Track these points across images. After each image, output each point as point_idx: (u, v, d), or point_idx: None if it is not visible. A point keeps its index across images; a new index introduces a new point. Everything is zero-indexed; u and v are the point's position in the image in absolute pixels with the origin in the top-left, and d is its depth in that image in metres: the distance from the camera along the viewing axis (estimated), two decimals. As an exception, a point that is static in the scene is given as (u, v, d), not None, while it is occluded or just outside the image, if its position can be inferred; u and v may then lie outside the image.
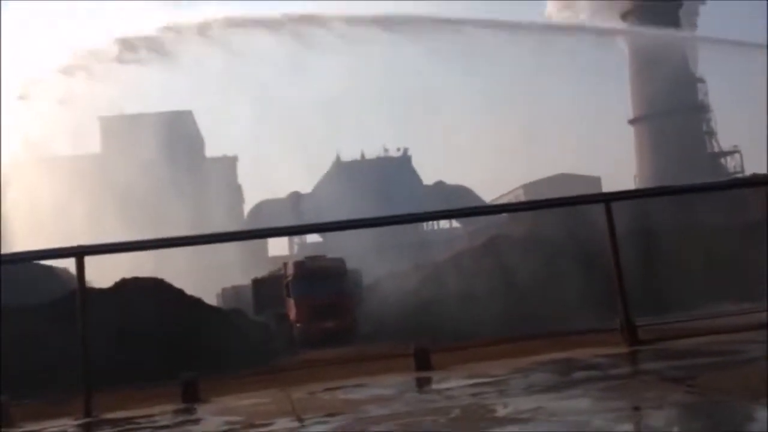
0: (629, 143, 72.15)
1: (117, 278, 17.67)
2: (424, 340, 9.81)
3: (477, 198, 68.23)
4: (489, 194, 71.33)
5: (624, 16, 69.45)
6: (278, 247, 63.06)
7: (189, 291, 20.78)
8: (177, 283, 20.68)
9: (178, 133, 53.14)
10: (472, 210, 11.30)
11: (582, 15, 75.71)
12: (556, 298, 17.09)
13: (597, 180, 70.85)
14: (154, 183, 48.70)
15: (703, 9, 73.39)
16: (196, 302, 18.89)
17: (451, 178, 68.10)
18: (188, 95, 53.15)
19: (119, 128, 51.61)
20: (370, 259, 30.65)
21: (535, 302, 17.38)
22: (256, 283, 26.07)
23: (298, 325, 22.23)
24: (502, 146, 70.70)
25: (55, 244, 6.82)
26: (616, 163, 74.19)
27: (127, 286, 17.38)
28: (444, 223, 63.72)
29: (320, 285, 21.89)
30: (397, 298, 22.22)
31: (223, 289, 29.14)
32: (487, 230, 26.71)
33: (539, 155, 76.21)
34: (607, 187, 70.15)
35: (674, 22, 67.13)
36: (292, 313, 22.77)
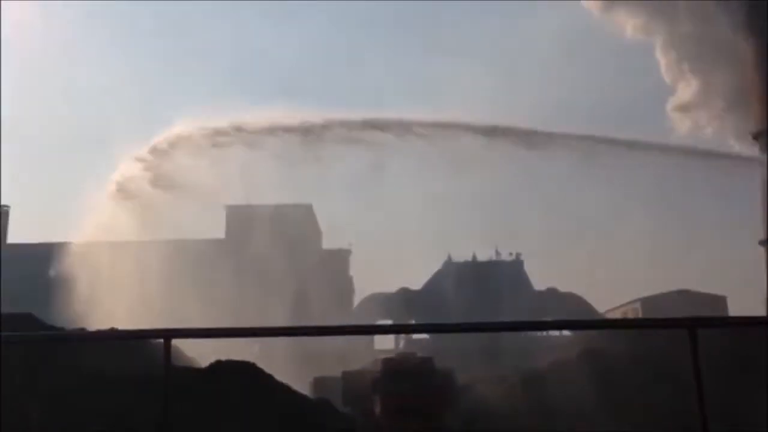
0: (760, 264, 68.33)
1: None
2: None
3: (589, 307, 66.28)
4: (603, 305, 68.96)
5: (756, 137, 67.39)
6: (386, 340, 63.54)
7: (285, 377, 21.65)
8: (277, 369, 21.59)
9: (298, 225, 55.83)
10: (535, 324, 11.44)
11: (707, 128, 74.38)
12: (638, 420, 16.50)
13: (723, 299, 67.27)
14: (273, 270, 51.17)
15: None
16: (284, 388, 19.60)
17: (564, 286, 66.62)
18: (312, 189, 55.98)
19: (243, 217, 54.93)
20: (469, 361, 30.54)
21: (619, 421, 16.83)
22: (346, 375, 26.57)
23: (382, 421, 22.41)
24: (622, 258, 68.71)
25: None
26: (745, 284, 69.93)
27: (220, 368, 18.38)
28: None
29: (406, 383, 22.10)
30: (487, 403, 22.05)
31: (315, 379, 29.83)
32: (585, 341, 26.11)
33: (662, 270, 73.23)
34: (733, 306, 66.44)
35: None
36: (377, 410, 23.01)
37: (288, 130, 44.02)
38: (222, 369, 18.32)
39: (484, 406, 22.26)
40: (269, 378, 19.53)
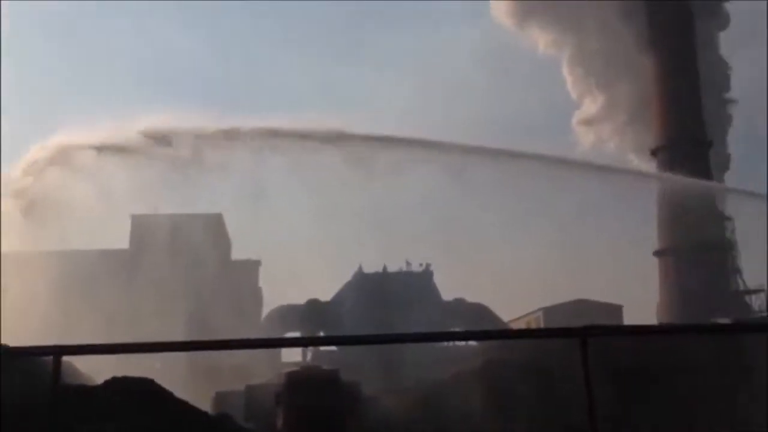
0: (654, 274, 71.89)
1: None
2: None
3: (495, 318, 67.84)
4: (508, 314, 70.85)
5: (654, 152, 71.14)
6: (293, 353, 62.93)
7: (187, 393, 21.08)
8: (178, 385, 20.95)
9: (206, 235, 54.68)
10: (444, 335, 11.66)
11: (610, 142, 77.92)
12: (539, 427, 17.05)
13: (618, 308, 70.25)
14: (178, 281, 49.91)
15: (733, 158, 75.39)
16: (183, 405, 19.13)
17: (471, 296, 68.00)
18: (220, 198, 54.93)
19: (149, 226, 53.40)
20: (376, 373, 30.66)
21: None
22: (249, 389, 26.23)
23: (285, 435, 22.30)
24: (525, 269, 70.88)
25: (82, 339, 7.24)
26: (640, 294, 73.48)
27: (115, 385, 17.77)
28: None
29: (310, 396, 22.05)
30: (389, 415, 22.22)
31: (217, 394, 29.30)
32: (488, 351, 26.75)
33: (561, 280, 75.97)
34: (629, 315, 69.50)
35: (704, 162, 68.39)
36: (280, 423, 22.84)
37: (201, 136, 42.91)
38: (117, 386, 17.71)
39: (388, 419, 22.41)
40: (168, 394, 19.02)
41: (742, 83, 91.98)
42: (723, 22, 75.11)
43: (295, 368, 26.13)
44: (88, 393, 16.00)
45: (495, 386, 20.24)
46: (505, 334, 14.73)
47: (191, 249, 51.54)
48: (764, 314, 63.34)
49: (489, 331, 42.50)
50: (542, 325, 67.90)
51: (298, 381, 23.00)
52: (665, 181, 58.15)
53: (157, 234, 51.69)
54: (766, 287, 68.29)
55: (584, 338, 12.88)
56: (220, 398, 28.73)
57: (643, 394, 19.30)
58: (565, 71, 79.66)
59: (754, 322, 21.85)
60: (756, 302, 69.46)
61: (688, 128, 69.09)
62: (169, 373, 28.10)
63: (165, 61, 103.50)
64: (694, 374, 20.15)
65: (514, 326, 70.64)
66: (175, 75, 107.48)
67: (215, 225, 58.18)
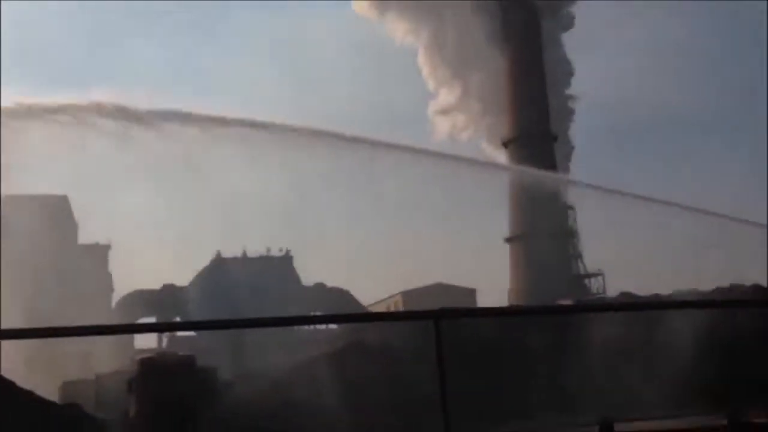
0: (505, 260, 75.70)
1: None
2: None
3: (355, 302, 68.79)
4: (368, 299, 72.02)
5: (506, 144, 74.85)
6: (148, 339, 60.72)
7: (33, 384, 19.78)
8: (23, 375, 19.61)
9: (51, 217, 51.34)
10: (308, 319, 11.70)
11: (464, 133, 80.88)
12: (394, 407, 17.57)
13: (472, 292, 73.39)
14: (22, 267, 46.56)
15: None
16: (26, 395, 18.03)
17: (332, 281, 68.50)
18: (66, 179, 51.66)
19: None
20: (236, 358, 30.28)
21: (375, 411, 17.78)
22: (100, 378, 25.12)
23: (136, 422, 21.55)
24: (384, 255, 72.38)
25: None
26: (492, 278, 77.14)
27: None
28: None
29: (164, 383, 21.46)
30: (249, 399, 22.02)
31: (64, 383, 27.77)
32: (351, 334, 27.14)
33: (420, 265, 78.32)
34: (482, 298, 72.80)
35: (550, 154, 72.79)
36: (132, 411, 22.06)
37: (50, 110, 39.59)
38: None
39: (244, 405, 22.18)
40: (10, 384, 17.84)
41: (584, 83, 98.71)
42: (567, 23, 79.77)
43: (149, 355, 25.27)
44: None
45: (351, 369, 20.59)
46: (362, 317, 15.04)
47: (32, 233, 48.16)
48: (602, 295, 68.46)
49: (347, 314, 43.16)
50: (401, 309, 69.68)
51: (152, 368, 22.27)
52: (515, 172, 61.31)
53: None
54: (603, 271, 73.94)
55: (437, 320, 13.38)
56: (68, 388, 27.27)
57: (493, 372, 20.34)
58: (422, 61, 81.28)
59: (586, 304, 23.70)
60: (594, 285, 74.90)
61: (535, 123, 73.25)
62: (10, 363, 26.30)
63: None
64: (536, 353, 21.46)
65: (375, 310, 72.00)
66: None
67: (59, 207, 54.70)
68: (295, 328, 57.32)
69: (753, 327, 20.76)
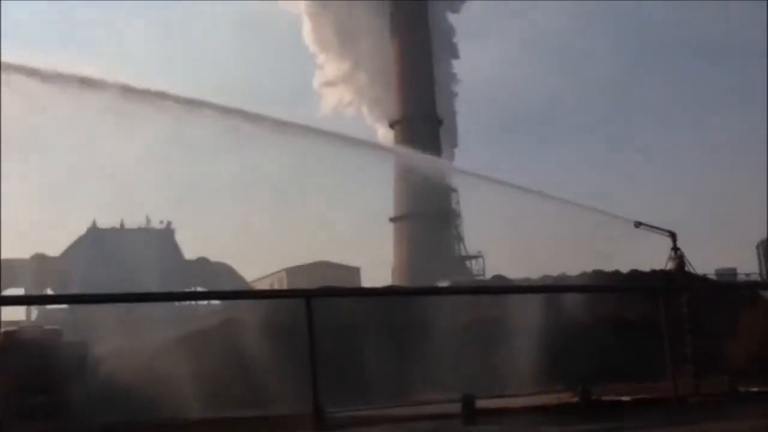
0: (389, 239, 77.11)
1: None
2: (114, 421, 10.02)
3: (239, 277, 68.27)
4: (251, 274, 71.59)
5: (392, 125, 75.92)
6: (15, 311, 57.73)
7: None
8: None
9: None
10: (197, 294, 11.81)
11: (349, 108, 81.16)
12: (265, 384, 17.84)
13: (357, 270, 74.45)
14: None
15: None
16: None
17: (215, 256, 67.54)
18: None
19: None
20: (109, 332, 29.39)
21: (244, 386, 18.00)
22: (-41, 352, 23.87)
23: (1, 400, 20.74)
24: (269, 230, 71.94)
25: None
26: (377, 256, 78.44)
27: None
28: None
29: (30, 357, 20.77)
30: (119, 375, 21.68)
31: None
32: (229, 311, 27.06)
33: (305, 242, 78.42)
34: (365, 276, 73.89)
35: (435, 137, 74.43)
36: (-6, 384, 21.21)
37: None
38: None
39: (117, 379, 21.82)
40: None
41: (471, 70, 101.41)
42: (456, 5, 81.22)
43: (13, 328, 24.22)
44: None
45: (229, 344, 20.69)
46: (234, 294, 15.12)
47: None
48: (482, 277, 71.11)
49: (219, 291, 42.86)
50: (285, 285, 69.68)
51: (15, 342, 21.45)
52: (401, 155, 62.41)
53: None
54: (482, 254, 76.70)
55: (308, 299, 13.76)
56: None
57: (363, 350, 20.93)
58: (308, 30, 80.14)
59: (450, 287, 24.85)
60: (475, 267, 77.56)
61: (421, 105, 74.60)
62: None
63: None
64: (407, 332, 22.23)
65: (258, 285, 71.55)
66: None
67: None
68: (176, 303, 56.27)
69: (606, 312, 22.56)
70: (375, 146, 60.23)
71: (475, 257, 77.32)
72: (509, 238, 65.45)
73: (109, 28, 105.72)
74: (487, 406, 15.71)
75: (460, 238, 77.55)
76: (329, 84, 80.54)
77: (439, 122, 75.81)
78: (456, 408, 15.04)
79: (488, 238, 73.84)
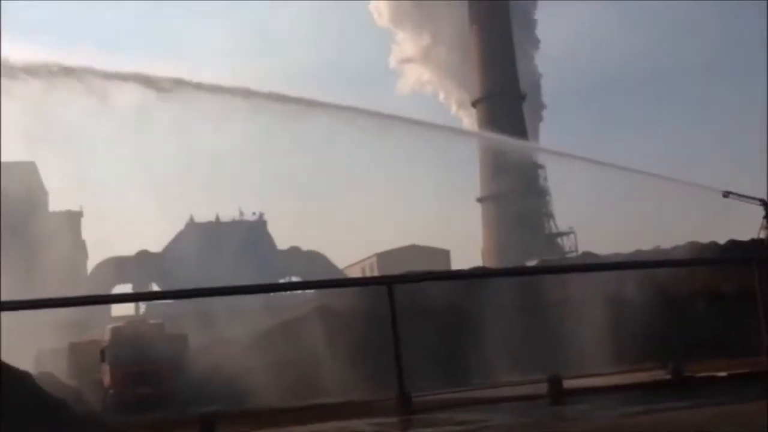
0: (477, 220, 76.66)
1: None
2: (213, 410, 10.58)
3: (331, 265, 69.51)
4: (343, 261, 72.74)
5: (474, 103, 75.13)
6: (125, 306, 61.08)
7: (13, 353, 20.11)
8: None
9: (20, 185, 51.01)
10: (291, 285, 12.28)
11: (428, 86, 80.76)
12: (354, 370, 18.25)
13: (446, 252, 74.48)
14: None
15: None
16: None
17: (307, 245, 69.06)
18: (31, 145, 51.06)
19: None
20: (207, 324, 30.67)
21: (333, 373, 18.47)
22: (74, 347, 25.62)
23: (111, 391, 22.12)
24: (359, 217, 72.88)
25: None
26: (465, 238, 78.19)
27: None
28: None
29: (136, 351, 22.03)
30: (219, 365, 22.63)
31: (39, 352, 28.28)
32: (321, 298, 27.69)
33: (394, 227, 79.02)
34: (455, 258, 73.81)
35: (518, 113, 73.16)
36: (106, 379, 22.62)
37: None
38: None
39: (217, 369, 22.77)
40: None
41: (553, 41, 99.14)
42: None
43: (119, 323, 25.77)
44: None
45: (319, 332, 21.31)
46: (318, 284, 15.52)
47: (5, 201, 47.81)
48: (574, 253, 69.65)
49: (303, 282, 43.67)
50: (376, 270, 70.56)
51: (123, 336, 22.82)
52: (485, 139, 61.60)
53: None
54: (574, 230, 75.14)
55: (390, 285, 13.89)
56: (41, 357, 27.74)
57: (449, 333, 21.04)
58: (383, 6, 79.63)
59: (537, 267, 24.41)
60: (567, 243, 76.04)
61: (503, 82, 73.35)
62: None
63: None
64: (500, 314, 22.13)
65: (350, 271, 72.80)
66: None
67: (27, 174, 54.32)
68: (270, 294, 57.96)
69: (701, 285, 21.77)
70: (459, 131, 59.85)
71: (566, 233, 75.90)
72: (600, 214, 64.10)
73: (190, 27, 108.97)
74: (575, 386, 15.63)
75: (549, 215, 76.25)
76: (407, 61, 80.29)
77: (523, 97, 74.48)
78: (542, 389, 15.00)
79: (579, 214, 72.45)
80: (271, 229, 69.56)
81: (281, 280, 67.11)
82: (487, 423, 10.56)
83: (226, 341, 26.14)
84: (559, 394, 14.76)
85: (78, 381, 23.98)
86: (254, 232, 66.98)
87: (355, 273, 72.22)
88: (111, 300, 20.50)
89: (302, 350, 20.57)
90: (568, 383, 15.24)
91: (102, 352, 22.83)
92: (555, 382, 15.35)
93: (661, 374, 15.69)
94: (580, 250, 70.96)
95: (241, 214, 67.58)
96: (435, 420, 11.41)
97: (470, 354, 19.03)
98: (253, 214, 68.16)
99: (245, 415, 14.40)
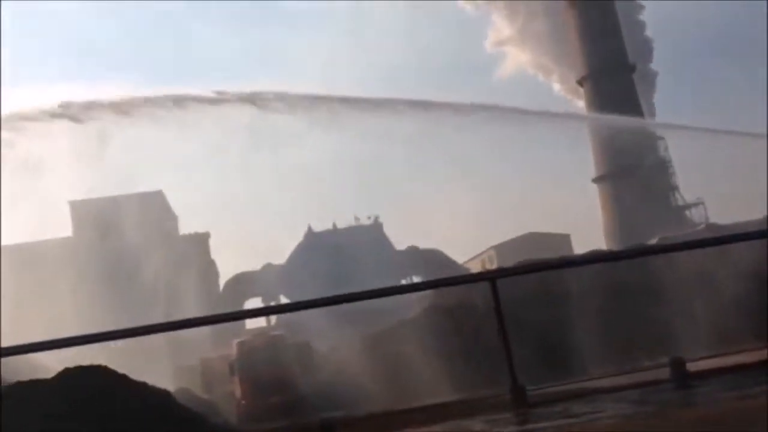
0: (595, 201, 74.15)
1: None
2: (333, 414, 10.97)
3: (449, 261, 69.38)
4: (461, 256, 72.47)
5: (581, 82, 72.65)
6: (258, 319, 63.64)
7: (150, 374, 21.56)
8: (142, 366, 21.45)
9: (151, 213, 54.45)
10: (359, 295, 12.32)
11: (528, 67, 78.70)
12: (463, 366, 18.21)
13: (567, 237, 72.40)
14: (130, 264, 49.78)
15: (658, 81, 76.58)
16: (140, 385, 19.64)
17: (424, 243, 69.35)
18: (154, 174, 54.47)
19: (90, 212, 52.88)
20: (329, 331, 31.45)
21: (447, 371, 18.47)
22: (205, 362, 27.00)
23: (243, 402, 23.17)
24: (471, 210, 72.32)
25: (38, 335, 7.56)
26: (584, 221, 75.79)
27: (69, 375, 18.12)
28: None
29: (262, 362, 22.95)
30: (342, 369, 23.24)
31: (176, 369, 30.03)
32: (432, 297, 27.77)
33: (509, 217, 78.01)
34: (577, 243, 71.77)
35: (630, 86, 70.03)
36: (237, 392, 23.71)
37: (121, 109, 38.94)
38: (68, 378, 18.09)
39: (342, 372, 23.37)
40: (122, 378, 19.49)
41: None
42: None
43: (245, 338, 26.97)
44: (36, 390, 16.40)
45: (431, 331, 21.39)
46: (417, 287, 15.53)
47: (137, 229, 51.24)
48: (703, 225, 65.96)
49: (402, 286, 43.63)
50: (495, 263, 69.77)
51: (248, 349, 23.84)
52: (594, 120, 59.48)
53: (100, 218, 51.31)
54: (703, 200, 71.14)
55: (493, 280, 13.86)
56: (179, 373, 29.48)
57: (584, 317, 20.43)
58: None
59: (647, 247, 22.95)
60: (696, 215, 72.07)
61: (610, 55, 70.44)
62: (132, 357, 28.50)
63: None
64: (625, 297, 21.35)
65: (469, 266, 72.39)
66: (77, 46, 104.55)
67: (158, 202, 57.89)
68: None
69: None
70: (567, 115, 58.09)
71: (695, 205, 71.98)
72: (727, 182, 60.33)
73: (284, 41, 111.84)
74: (701, 368, 14.80)
75: (674, 187, 72.59)
76: (503, 44, 78.87)
77: (632, 69, 71.26)
78: (665, 373, 14.36)
79: (707, 183, 68.55)
80: (388, 231, 70.39)
81: (402, 281, 67.91)
82: (603, 413, 10.25)
83: (345, 346, 26.77)
84: (683, 377, 14.11)
85: (212, 395, 25.29)
86: (372, 235, 67.97)
87: (476, 267, 71.74)
88: (209, 321, 21.20)
89: (414, 350, 20.73)
90: (693, 365, 14.52)
91: (231, 366, 23.95)
92: (678, 364, 14.67)
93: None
94: (713, 221, 67.42)
95: (357, 219, 68.78)
96: (550, 414, 11.19)
97: (588, 341, 18.50)
98: (369, 218, 69.21)
99: (362, 419, 14.68)
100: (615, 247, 63.66)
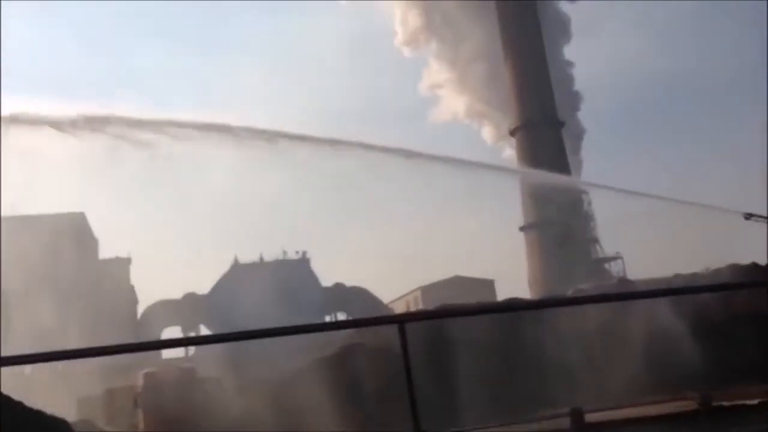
0: (521, 248, 75.77)
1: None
2: None
3: (375, 300, 69.52)
4: (387, 296, 72.70)
5: (512, 132, 74.85)
6: (175, 349, 62.02)
7: (52, 400, 20.67)
8: (45, 394, 20.54)
9: (70, 235, 52.69)
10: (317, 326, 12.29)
11: (462, 113, 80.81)
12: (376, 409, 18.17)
13: (491, 283, 73.61)
14: (45, 284, 47.91)
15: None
16: (36, 414, 18.86)
17: (350, 280, 69.33)
18: (80, 196, 52.90)
19: (11, 229, 50.86)
20: (240, 367, 30.79)
21: (353, 414, 18.39)
22: (110, 392, 26.15)
23: (146, 437, 22.51)
24: (401, 251, 72.95)
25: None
26: (510, 268, 77.33)
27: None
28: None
29: (168, 395, 22.36)
30: (249, 407, 22.74)
31: (79, 399, 28.89)
32: (352, 336, 27.63)
33: (437, 259, 78.86)
34: (500, 288, 72.97)
35: (558, 140, 72.59)
36: (141, 425, 23.00)
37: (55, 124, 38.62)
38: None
39: (251, 411, 22.82)
40: (17, 404, 18.66)
41: (587, 66, 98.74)
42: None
43: (153, 369, 26.20)
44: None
45: (348, 371, 21.28)
46: (326, 326, 15.52)
47: (57, 251, 49.49)
48: (623, 278, 67.99)
49: (309, 325, 43.65)
50: (420, 303, 70.24)
51: (154, 381, 23.21)
52: (527, 176, 61.17)
53: (20, 236, 49.41)
54: (621, 254, 73.61)
55: (401, 324, 13.99)
56: (83, 403, 28.41)
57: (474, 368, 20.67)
58: (410, 31, 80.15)
59: (552, 299, 23.59)
60: (614, 268, 74.41)
61: (541, 110, 73.01)
62: (32, 381, 27.36)
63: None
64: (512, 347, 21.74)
65: (394, 306, 72.62)
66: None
67: (79, 224, 56.14)
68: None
69: (738, 308, 21.06)
70: (497, 168, 59.43)
71: (614, 258, 74.40)
72: (643, 239, 62.70)
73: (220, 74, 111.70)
74: (598, 420, 15.28)
75: (595, 240, 74.94)
76: (438, 86, 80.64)
77: (561, 124, 73.94)
78: (565, 423, 14.72)
79: (626, 238, 70.99)
80: (315, 267, 70.13)
81: (326, 317, 67.54)
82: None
83: (259, 382, 26.26)
84: (581, 428, 14.50)
85: (115, 427, 24.45)
86: (298, 270, 67.56)
87: (400, 307, 72.04)
88: (118, 350, 20.63)
89: (328, 390, 20.55)
90: (591, 417, 14.95)
91: (135, 397, 23.27)
92: (577, 415, 15.11)
93: (689, 405, 15.25)
94: (630, 275, 69.75)
95: (285, 253, 68.31)
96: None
97: (492, 389, 18.76)
98: (296, 252, 68.85)
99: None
100: (537, 295, 65.20)
